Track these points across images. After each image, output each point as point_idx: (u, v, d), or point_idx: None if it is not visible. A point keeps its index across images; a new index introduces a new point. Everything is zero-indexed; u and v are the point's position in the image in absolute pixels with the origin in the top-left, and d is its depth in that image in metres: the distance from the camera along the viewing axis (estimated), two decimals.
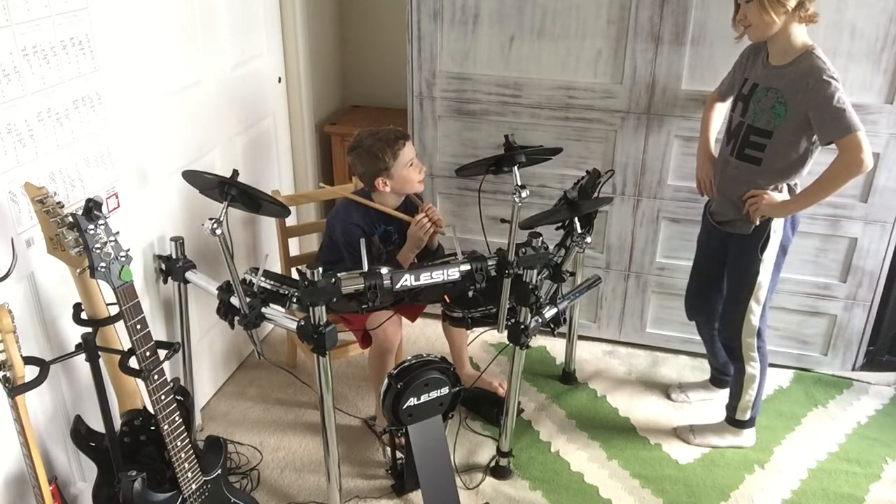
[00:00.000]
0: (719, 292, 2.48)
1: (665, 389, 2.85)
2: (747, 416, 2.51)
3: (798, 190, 2.22)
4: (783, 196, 2.20)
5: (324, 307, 1.91)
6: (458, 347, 2.73)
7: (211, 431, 2.55)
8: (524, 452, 2.53)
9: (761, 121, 2.15)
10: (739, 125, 2.22)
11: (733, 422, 2.54)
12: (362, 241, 2.08)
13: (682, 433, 2.62)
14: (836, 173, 2.05)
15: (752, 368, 2.41)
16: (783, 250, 2.28)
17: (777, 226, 2.23)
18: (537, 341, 3.14)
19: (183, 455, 1.82)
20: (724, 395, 2.63)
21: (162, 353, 1.75)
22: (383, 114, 2.52)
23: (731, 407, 2.53)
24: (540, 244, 2.11)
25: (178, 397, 1.81)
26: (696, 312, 2.63)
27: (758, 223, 2.21)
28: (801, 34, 2.07)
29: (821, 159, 2.16)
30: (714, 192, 2.38)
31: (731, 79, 2.36)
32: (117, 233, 1.61)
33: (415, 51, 2.82)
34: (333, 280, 1.91)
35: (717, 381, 2.77)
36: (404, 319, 2.58)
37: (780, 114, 2.10)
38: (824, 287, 2.80)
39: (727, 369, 2.63)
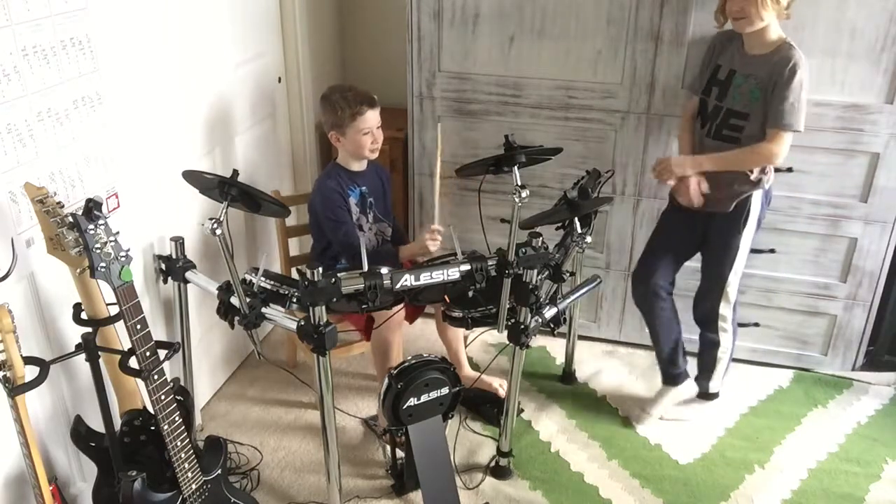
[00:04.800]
0: (671, 266, 2.57)
1: None
2: (720, 388, 2.66)
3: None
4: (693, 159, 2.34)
5: (324, 307, 1.91)
6: (454, 349, 2.72)
7: (211, 431, 2.55)
8: (524, 452, 2.53)
9: (739, 104, 2.27)
10: (717, 109, 2.33)
11: (707, 396, 2.68)
12: (361, 239, 2.08)
13: (638, 411, 2.70)
14: (752, 154, 2.24)
15: (725, 339, 2.55)
16: (758, 224, 2.43)
17: (755, 202, 2.37)
18: (537, 341, 3.14)
19: (183, 455, 1.82)
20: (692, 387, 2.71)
21: (162, 353, 1.75)
22: (383, 114, 2.51)
23: (705, 380, 2.66)
24: (540, 244, 2.11)
25: (178, 397, 1.81)
26: (641, 282, 2.63)
27: (707, 191, 2.32)
28: (777, 27, 2.21)
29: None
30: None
31: (700, 69, 2.44)
32: (117, 233, 1.61)
33: (415, 51, 2.82)
34: (333, 280, 1.91)
35: (669, 378, 2.70)
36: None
37: (757, 97, 2.24)
38: (824, 287, 2.80)
39: (675, 357, 2.65)
